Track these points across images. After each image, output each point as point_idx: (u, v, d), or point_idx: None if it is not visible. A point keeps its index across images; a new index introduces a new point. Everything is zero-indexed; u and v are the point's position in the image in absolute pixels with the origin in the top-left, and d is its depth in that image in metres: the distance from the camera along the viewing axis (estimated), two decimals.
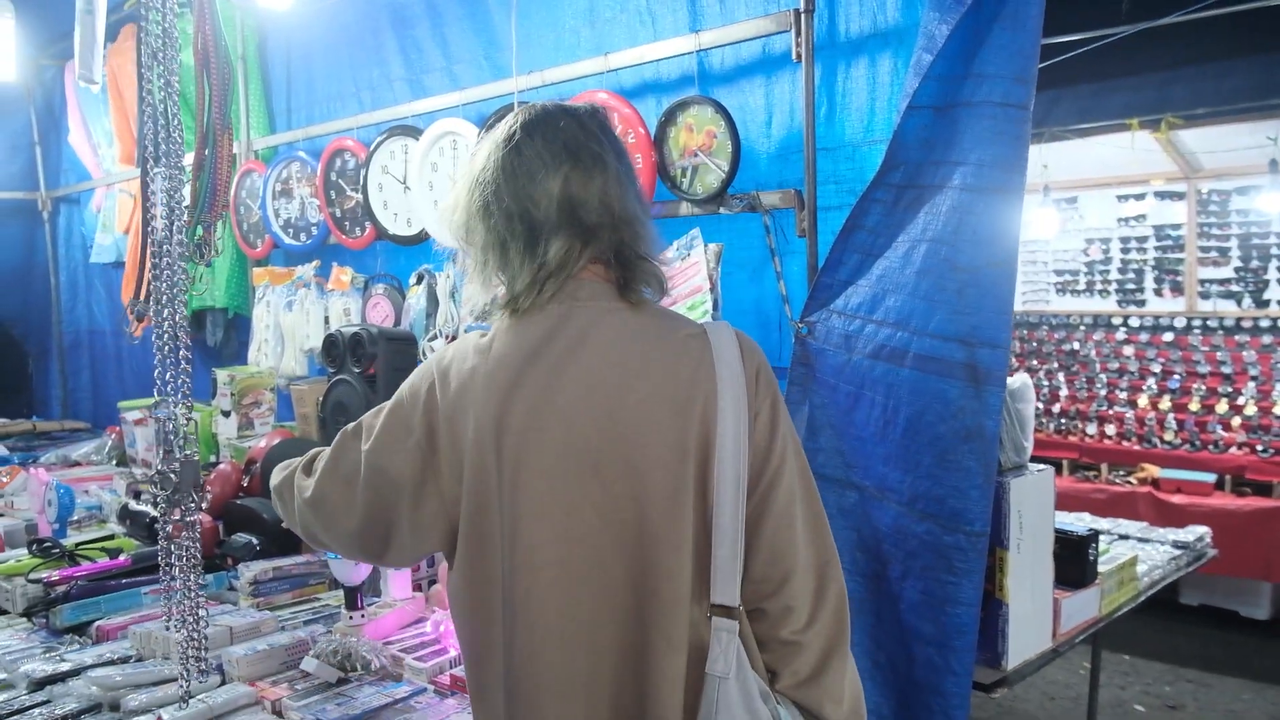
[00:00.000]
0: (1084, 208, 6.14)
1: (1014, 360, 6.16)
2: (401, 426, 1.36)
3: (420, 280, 2.95)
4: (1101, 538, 3.11)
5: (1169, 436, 5.18)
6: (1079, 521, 3.13)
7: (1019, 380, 2.37)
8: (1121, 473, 5.23)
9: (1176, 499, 4.91)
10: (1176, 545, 3.15)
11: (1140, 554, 2.97)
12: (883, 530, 2.11)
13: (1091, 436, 5.41)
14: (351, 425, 1.45)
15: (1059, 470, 5.44)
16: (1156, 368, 5.60)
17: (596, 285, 1.34)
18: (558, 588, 1.28)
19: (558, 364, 1.30)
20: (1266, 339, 5.41)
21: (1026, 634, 2.32)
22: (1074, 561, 2.53)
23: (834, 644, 1.35)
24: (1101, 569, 2.66)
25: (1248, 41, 5.44)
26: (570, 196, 1.31)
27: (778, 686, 1.34)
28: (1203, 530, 3.29)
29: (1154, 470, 5.08)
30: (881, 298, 2.08)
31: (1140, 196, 5.91)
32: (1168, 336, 5.74)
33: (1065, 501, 5.23)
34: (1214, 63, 5.61)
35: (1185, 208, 5.75)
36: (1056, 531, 2.50)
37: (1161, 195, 5.83)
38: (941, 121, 2.03)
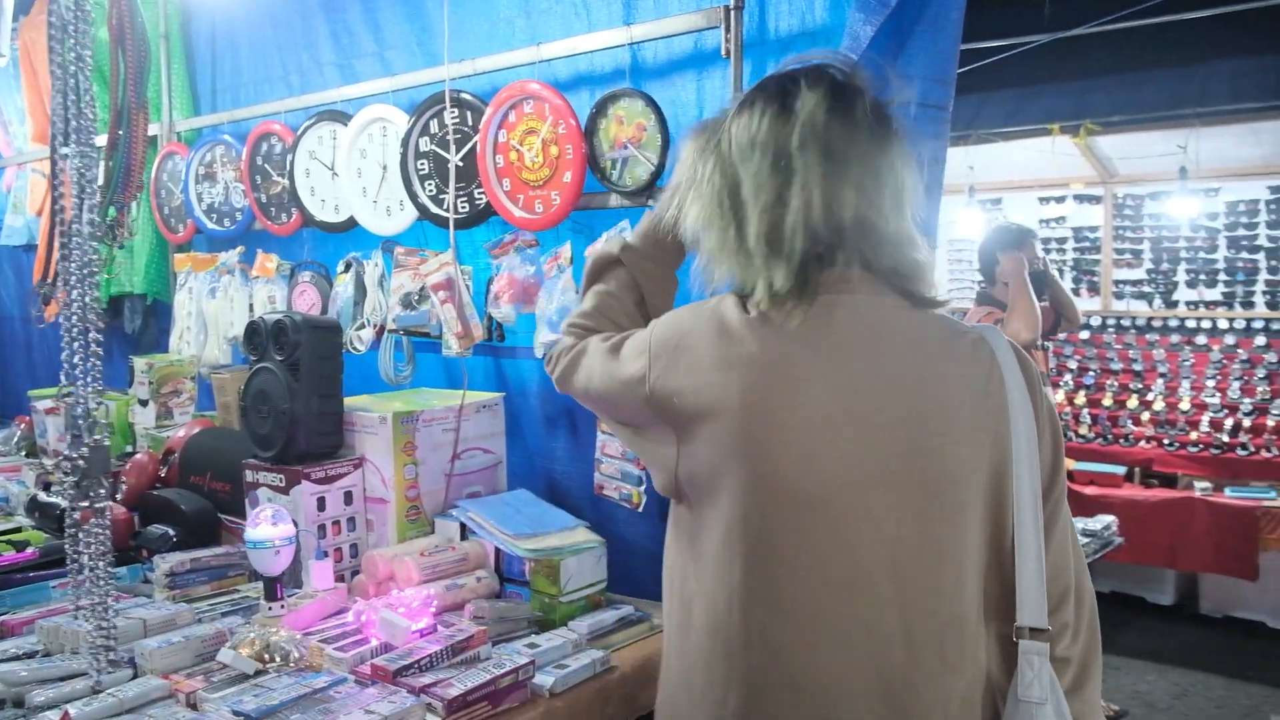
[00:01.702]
0: (1008, 209, 6.31)
1: None
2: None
3: (348, 268, 2.91)
4: None
5: (1084, 430, 5.36)
6: None
7: None
8: None
9: (1089, 490, 5.08)
10: (1085, 534, 3.27)
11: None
12: None
13: None
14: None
15: None
16: (1073, 364, 5.79)
17: (869, 279, 1.23)
18: (820, 594, 1.21)
19: (841, 358, 1.21)
20: (1174, 338, 5.63)
21: None
22: None
23: (1091, 656, 1.33)
24: None
25: (1161, 54, 5.66)
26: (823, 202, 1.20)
27: None
28: (1110, 519, 3.42)
29: (1069, 463, 5.25)
30: None
31: (1060, 199, 6.09)
32: (1084, 335, 5.93)
33: None
34: (1131, 73, 5.82)
35: (1102, 211, 5.95)
36: None
37: (1080, 198, 6.02)
38: None
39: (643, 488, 2.30)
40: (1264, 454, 5.03)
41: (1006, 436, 1.23)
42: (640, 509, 2.31)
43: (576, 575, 2.18)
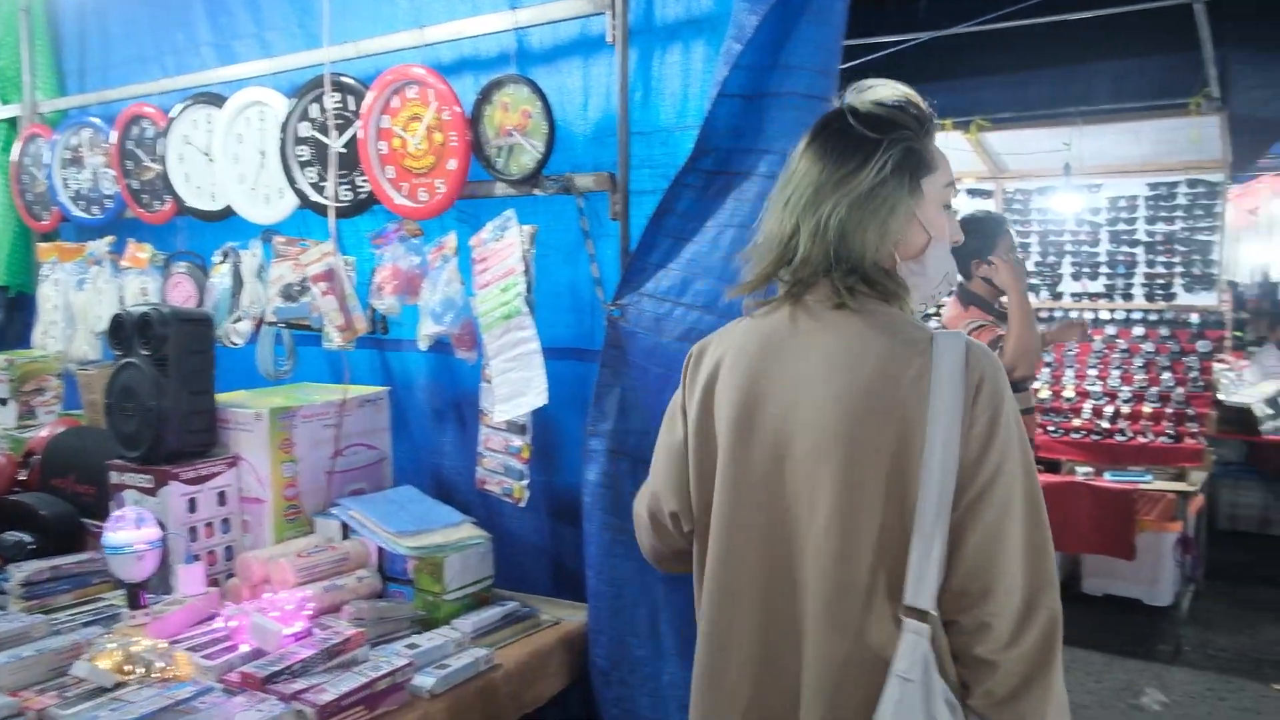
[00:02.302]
0: None
1: None
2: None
3: (225, 258, 2.79)
4: None
5: None
6: None
7: None
8: None
9: None
10: None
11: None
12: None
13: None
14: None
15: None
16: None
17: (825, 290, 1.42)
18: (738, 551, 1.45)
19: (778, 351, 1.44)
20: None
21: None
22: None
23: (1036, 671, 1.30)
24: None
25: (1049, 54, 5.87)
26: (807, 222, 1.41)
27: (969, 702, 1.34)
28: None
29: None
30: (690, 281, 2.10)
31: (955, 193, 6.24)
32: None
33: None
34: (1021, 72, 6.03)
35: (993, 205, 6.12)
36: None
37: (973, 193, 6.18)
38: (750, 110, 2.07)
39: (525, 482, 2.26)
40: (1140, 439, 5.25)
41: (917, 427, 1.31)
42: (523, 503, 2.27)
43: (461, 572, 2.13)
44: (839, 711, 1.35)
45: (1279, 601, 5.38)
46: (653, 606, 2.15)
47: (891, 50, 5.64)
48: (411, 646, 1.89)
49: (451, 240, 2.35)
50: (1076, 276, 5.93)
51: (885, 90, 1.46)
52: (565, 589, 2.41)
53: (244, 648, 1.84)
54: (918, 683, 1.29)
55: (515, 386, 2.21)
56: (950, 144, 5.50)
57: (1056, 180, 5.55)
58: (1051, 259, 5.99)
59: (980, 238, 3.42)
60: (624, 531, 2.13)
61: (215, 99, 2.88)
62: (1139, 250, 5.73)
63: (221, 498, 2.24)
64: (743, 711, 1.44)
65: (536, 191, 2.32)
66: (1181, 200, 5.63)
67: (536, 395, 2.18)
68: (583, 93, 2.41)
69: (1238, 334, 8.53)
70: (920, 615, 1.31)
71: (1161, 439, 5.24)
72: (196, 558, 2.14)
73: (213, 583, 2.16)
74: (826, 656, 1.35)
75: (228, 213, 2.88)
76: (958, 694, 1.34)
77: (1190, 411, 5.27)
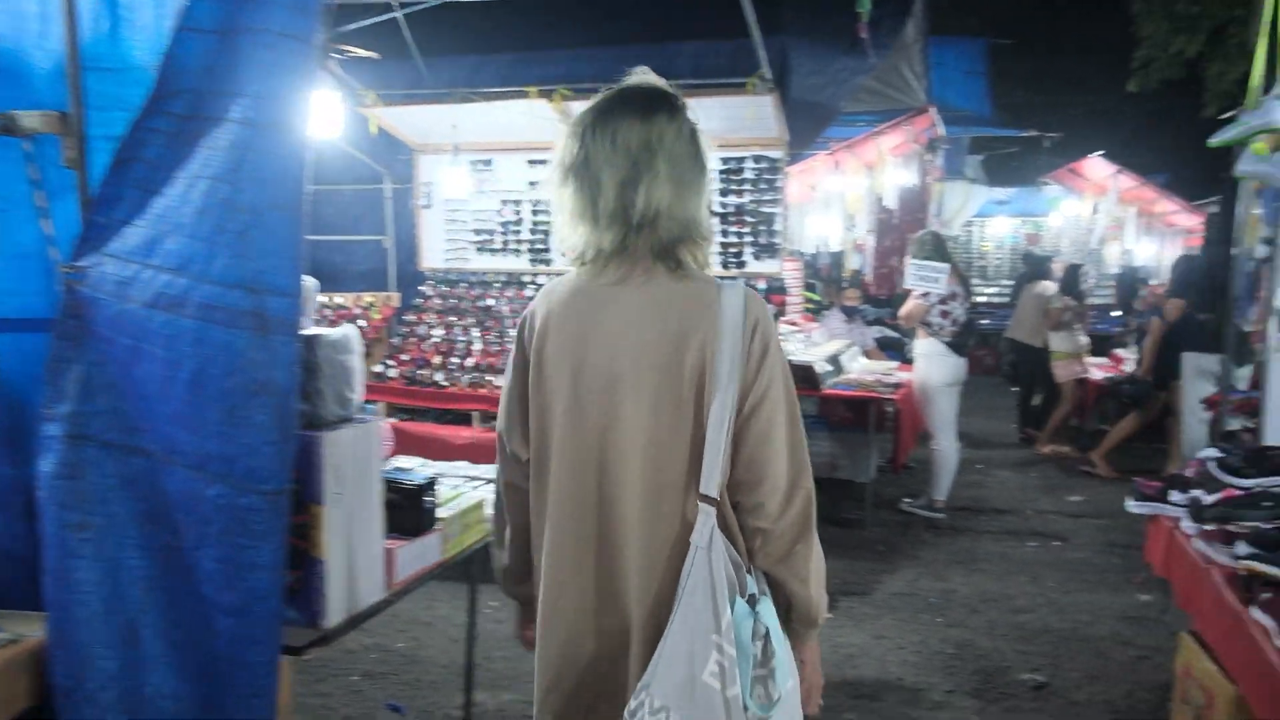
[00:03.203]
0: (499, 170, 6.43)
1: (434, 316, 6.30)
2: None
3: None
4: (456, 484, 3.23)
5: None
6: (424, 468, 3.24)
7: (341, 331, 2.31)
8: None
9: None
10: None
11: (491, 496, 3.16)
12: (174, 497, 1.90)
13: (500, 387, 5.68)
14: None
15: (468, 421, 5.68)
16: None
17: (642, 252, 1.75)
18: (584, 468, 1.78)
19: (604, 305, 1.77)
20: None
21: (353, 589, 2.28)
22: (409, 510, 2.55)
23: (799, 536, 1.77)
24: (445, 514, 2.73)
25: (639, 31, 6.13)
26: (624, 197, 1.73)
27: (755, 564, 1.79)
28: None
29: None
30: (160, 240, 1.86)
31: (548, 162, 6.32)
32: None
33: (474, 451, 5.46)
34: (612, 46, 6.23)
35: None
36: (390, 482, 2.50)
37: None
38: (224, 48, 1.85)
39: None
40: None
41: (709, 360, 1.72)
42: None
43: None
44: (658, 582, 1.75)
45: (841, 537, 6.09)
46: (129, 613, 1.90)
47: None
48: None
49: None
50: None
51: (652, 76, 1.88)
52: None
53: None
54: (705, 548, 1.69)
55: None
56: (537, 112, 5.56)
57: None
58: None
59: None
60: (88, 529, 1.86)
61: None
62: (714, 221, 6.16)
63: None
64: (583, 589, 1.80)
65: None
66: (749, 174, 6.09)
67: None
68: (40, 19, 2.05)
69: (812, 298, 9.55)
70: (711, 500, 1.71)
71: None
72: None
73: None
74: (650, 542, 1.75)
75: None
76: (744, 558, 1.77)
77: None
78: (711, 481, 1.71)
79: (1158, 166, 10.32)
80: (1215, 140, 3.84)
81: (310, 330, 2.26)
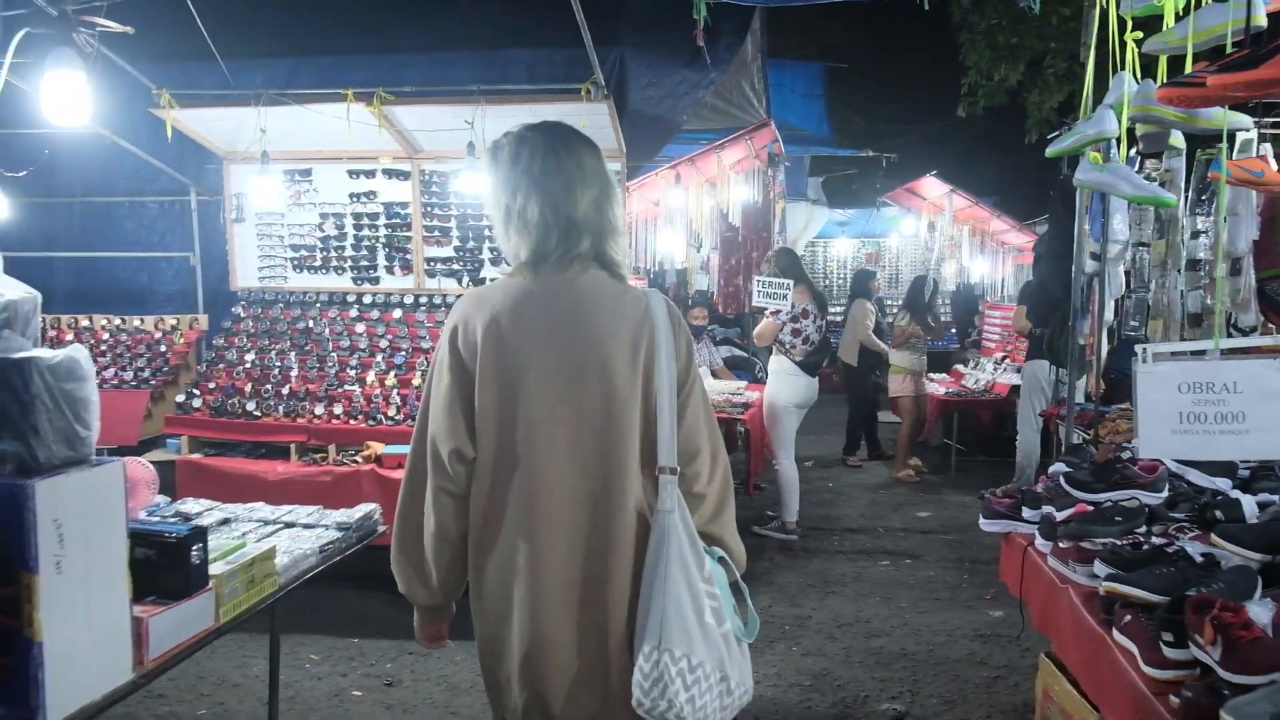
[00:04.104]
0: (319, 182, 5.93)
1: (246, 340, 5.72)
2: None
3: None
4: (248, 529, 2.78)
5: (392, 412, 5.18)
6: (210, 512, 2.78)
7: (66, 353, 1.85)
8: (350, 452, 5.10)
9: (397, 474, 4.89)
10: (340, 527, 2.96)
11: (290, 543, 2.71)
12: None
13: (320, 417, 5.17)
14: None
15: (285, 454, 5.14)
16: (385, 344, 5.61)
17: (585, 260, 2.00)
18: (550, 452, 1.94)
19: (553, 303, 1.97)
20: None
21: (86, 674, 1.82)
22: (170, 568, 2.10)
23: (724, 498, 2.08)
24: (221, 570, 2.28)
25: (468, 37, 5.80)
26: (569, 207, 1.98)
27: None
28: (370, 507, 3.18)
29: (378, 447, 5.03)
30: None
31: (371, 174, 5.87)
32: (397, 314, 5.80)
33: (291, 488, 4.94)
34: (443, 52, 5.86)
35: (411, 187, 5.86)
36: (142, 535, 2.05)
37: (390, 173, 5.86)
38: None
39: None
40: None
41: (654, 354, 1.96)
42: None
43: None
44: (625, 552, 1.93)
45: None
46: None
47: None
48: None
49: None
50: (495, 262, 5.89)
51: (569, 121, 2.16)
52: None
53: None
54: (676, 511, 1.92)
55: None
56: (358, 117, 5.12)
57: (464, 161, 5.39)
58: (472, 244, 5.89)
59: None
60: None
61: None
62: None
63: None
64: (561, 570, 1.93)
65: None
66: None
67: None
68: None
69: None
70: (670, 470, 1.94)
71: None
72: None
73: None
74: (616, 516, 1.93)
75: None
76: None
77: None
78: (670, 453, 1.95)
79: (988, 189, 10.69)
80: (1052, 150, 3.80)
81: (23, 353, 1.80)
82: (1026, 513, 3.74)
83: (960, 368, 9.73)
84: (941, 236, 10.40)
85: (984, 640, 4.74)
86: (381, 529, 3.14)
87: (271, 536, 2.81)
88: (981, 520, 3.89)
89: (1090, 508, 3.35)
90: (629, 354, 1.95)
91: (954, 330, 11.48)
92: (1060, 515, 3.41)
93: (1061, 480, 3.45)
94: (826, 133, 11.10)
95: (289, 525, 2.98)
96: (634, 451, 1.94)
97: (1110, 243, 5.02)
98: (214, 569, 2.28)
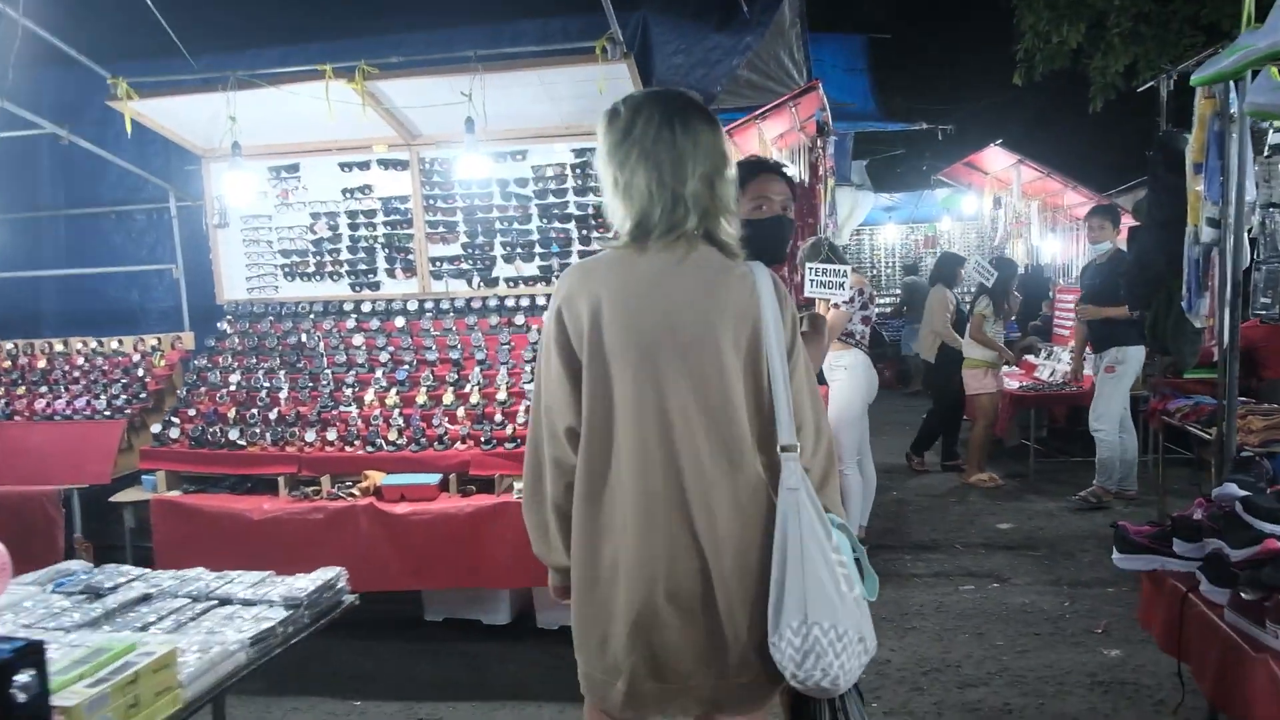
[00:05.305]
0: (307, 178, 5.26)
1: (232, 360, 5.05)
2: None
3: None
4: (160, 615, 2.08)
5: (394, 436, 4.48)
6: (128, 584, 2.09)
7: None
8: (347, 484, 4.40)
9: (400, 509, 4.21)
10: (288, 604, 2.26)
11: (208, 637, 2.00)
12: None
13: (312, 444, 4.49)
14: None
15: (274, 488, 4.46)
16: (385, 357, 4.91)
17: (693, 237, 1.99)
18: (656, 427, 1.96)
19: (663, 279, 1.97)
20: (494, 320, 5.04)
21: None
22: None
23: (829, 469, 2.12)
24: (73, 700, 1.58)
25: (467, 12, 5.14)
26: (684, 181, 1.97)
27: None
28: (332, 573, 2.46)
29: (377, 478, 4.33)
30: None
31: (365, 165, 5.19)
32: (400, 322, 5.11)
33: (278, 529, 4.26)
34: (439, 30, 5.24)
35: (410, 178, 5.16)
36: None
37: (386, 164, 5.17)
38: None
39: None
40: None
41: (764, 331, 1.99)
42: None
43: None
44: (741, 526, 1.96)
45: None
46: None
47: None
48: None
49: None
50: (509, 259, 5.18)
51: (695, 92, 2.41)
52: None
53: None
54: (801, 489, 1.95)
55: None
56: (339, 97, 4.43)
57: (465, 142, 4.68)
58: (482, 240, 5.18)
59: None
60: None
61: None
62: (571, 226, 5.12)
63: None
64: (653, 543, 1.95)
65: None
66: None
67: None
68: None
69: None
70: (790, 448, 1.97)
71: None
72: None
73: None
74: (731, 491, 1.96)
75: None
76: None
77: None
78: (789, 431, 1.97)
79: (1057, 158, 9.78)
80: (1200, 76, 3.00)
81: None
82: (1179, 546, 2.95)
83: (1031, 358, 8.84)
84: (1008, 213, 9.50)
85: (1105, 691, 3.92)
86: (348, 599, 2.44)
87: (195, 622, 2.12)
88: (1116, 555, 3.12)
89: None
90: (736, 332, 1.97)
91: (1014, 318, 10.56)
92: (1238, 554, 2.62)
93: (1239, 508, 2.65)
94: (873, 108, 10.26)
95: (224, 602, 2.28)
96: (745, 429, 1.97)
97: (1232, 205, 4.23)
98: (68, 696, 1.58)
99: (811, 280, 5.29)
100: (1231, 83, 4.04)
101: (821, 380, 3.34)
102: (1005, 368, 8.01)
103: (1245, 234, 4.24)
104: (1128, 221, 7.12)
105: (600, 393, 1.96)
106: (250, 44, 5.51)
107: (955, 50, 13.67)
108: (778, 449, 1.97)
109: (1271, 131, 4.26)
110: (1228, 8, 8.91)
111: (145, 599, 2.30)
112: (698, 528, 1.94)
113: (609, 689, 2.00)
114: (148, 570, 2.56)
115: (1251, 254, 4.54)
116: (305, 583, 2.38)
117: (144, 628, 2.07)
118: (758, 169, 2.94)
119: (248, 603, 2.28)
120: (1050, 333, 9.36)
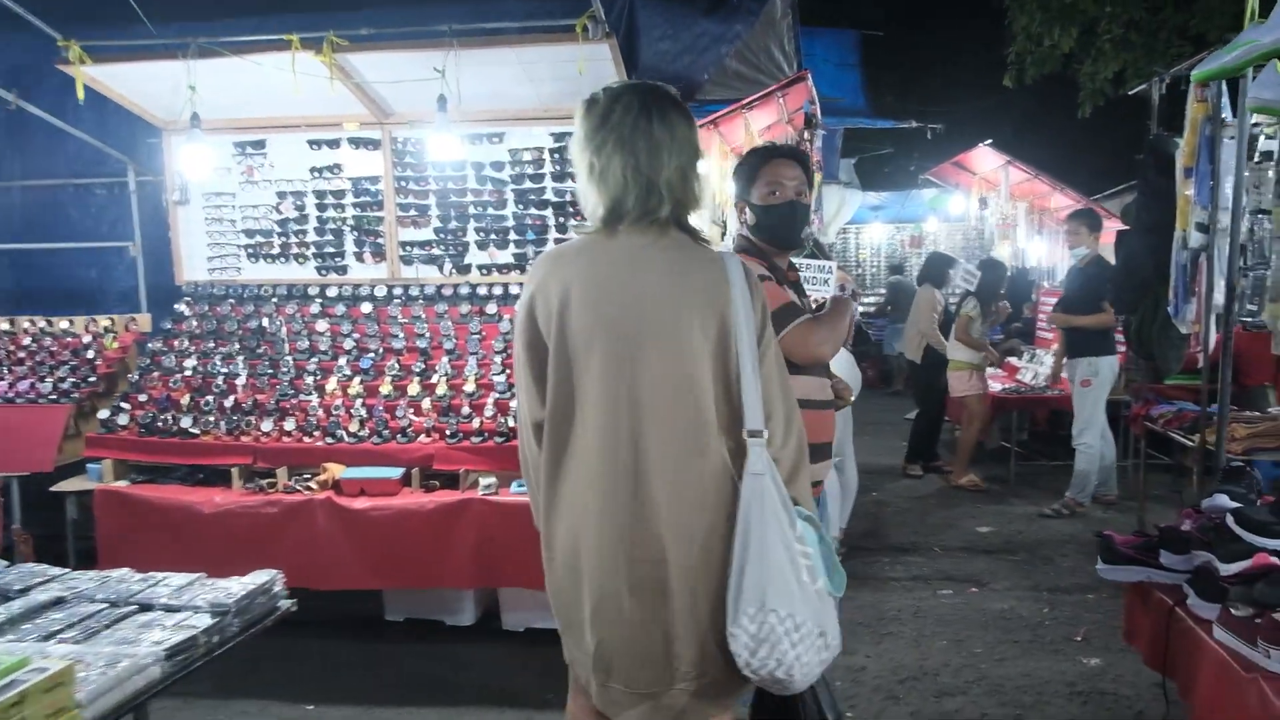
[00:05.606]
0: (274, 155, 5.05)
1: (189, 343, 4.85)
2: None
3: None
4: (70, 622, 1.90)
5: (355, 428, 4.30)
6: (41, 586, 1.90)
7: None
8: (305, 476, 4.21)
9: (359, 504, 4.02)
10: (215, 610, 2.07)
11: (117, 648, 1.82)
12: None
13: (269, 434, 4.30)
14: None
15: (227, 480, 4.25)
16: (350, 344, 4.72)
17: (665, 225, 2.01)
18: (621, 412, 1.96)
19: (632, 264, 1.98)
20: (465, 308, 4.86)
21: None
22: None
23: (799, 460, 2.08)
24: None
25: None
26: (657, 169, 1.99)
27: None
28: (267, 576, 2.28)
29: (336, 470, 4.15)
30: None
31: (335, 143, 4.99)
32: (366, 308, 4.92)
33: (230, 522, 4.06)
34: (425, 6, 5.01)
35: (381, 158, 4.97)
36: None
37: (357, 142, 4.98)
38: None
39: None
40: None
41: (732, 318, 1.98)
42: None
43: None
44: (700, 512, 1.95)
45: None
46: None
47: None
48: None
49: None
50: (483, 245, 5.00)
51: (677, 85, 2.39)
52: None
53: None
54: (766, 474, 1.94)
55: None
56: (306, 69, 4.23)
57: (437, 121, 4.49)
58: (454, 225, 4.99)
59: None
60: None
61: None
62: (548, 213, 4.94)
63: None
64: (612, 526, 1.94)
65: None
66: None
67: None
68: None
69: None
70: (757, 434, 1.96)
71: None
72: None
73: None
74: (691, 476, 1.95)
75: None
76: None
77: None
78: (757, 416, 1.96)
79: (1045, 162, 9.67)
80: (1202, 71, 2.86)
81: None
82: (1167, 558, 2.82)
83: (1013, 360, 8.72)
84: (995, 215, 9.35)
85: (1084, 701, 3.80)
86: (285, 604, 2.26)
87: (110, 630, 1.93)
88: (1100, 565, 3.00)
89: (1276, 559, 2.42)
90: (704, 316, 1.97)
91: (1000, 323, 10.41)
92: (1228, 569, 2.49)
93: (1230, 520, 2.51)
94: (862, 104, 10.10)
95: (144, 608, 2.09)
96: (711, 414, 1.96)
97: (1221, 210, 4.13)
98: None
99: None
100: (1224, 87, 3.92)
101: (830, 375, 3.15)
102: (989, 369, 7.89)
103: (1237, 239, 4.13)
104: (1112, 226, 7.01)
105: (565, 376, 1.97)
106: (220, 14, 5.30)
107: (947, 50, 13.56)
108: (744, 433, 1.96)
109: (1263, 138, 4.16)
110: (1216, 18, 8.85)
111: (58, 603, 2.11)
112: (660, 512, 1.93)
113: (590, 681, 2.03)
114: (68, 570, 2.37)
115: (1239, 260, 4.43)
116: (236, 587, 2.19)
117: (49, 636, 1.88)
118: (771, 154, 2.90)
119: (170, 609, 2.09)
120: (1033, 335, 9.26)
